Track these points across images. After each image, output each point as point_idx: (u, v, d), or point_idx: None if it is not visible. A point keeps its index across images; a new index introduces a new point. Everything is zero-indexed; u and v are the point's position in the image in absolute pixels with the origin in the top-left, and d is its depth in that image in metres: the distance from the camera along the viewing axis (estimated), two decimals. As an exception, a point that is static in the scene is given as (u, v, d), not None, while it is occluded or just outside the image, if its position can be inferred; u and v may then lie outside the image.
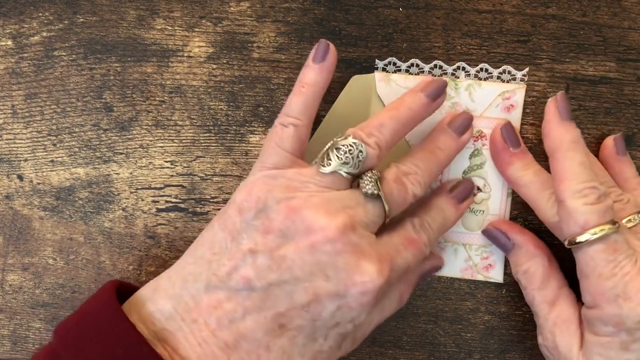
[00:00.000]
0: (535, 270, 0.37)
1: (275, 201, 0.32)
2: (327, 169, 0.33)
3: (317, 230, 0.31)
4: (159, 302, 0.33)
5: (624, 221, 0.36)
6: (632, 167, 0.39)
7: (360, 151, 0.33)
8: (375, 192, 0.33)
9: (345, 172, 0.33)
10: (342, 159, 0.33)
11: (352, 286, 0.32)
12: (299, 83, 0.35)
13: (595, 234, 0.33)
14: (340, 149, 0.33)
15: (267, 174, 0.34)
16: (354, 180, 0.34)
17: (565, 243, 0.34)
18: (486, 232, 0.39)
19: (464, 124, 0.37)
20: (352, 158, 0.33)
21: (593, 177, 0.34)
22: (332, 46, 0.36)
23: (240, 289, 0.32)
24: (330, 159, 0.33)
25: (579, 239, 0.33)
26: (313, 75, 0.35)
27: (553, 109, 0.35)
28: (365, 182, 0.33)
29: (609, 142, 0.39)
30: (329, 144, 0.34)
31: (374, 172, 0.34)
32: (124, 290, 0.35)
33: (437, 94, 0.36)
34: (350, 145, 0.33)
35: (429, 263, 0.39)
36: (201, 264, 0.33)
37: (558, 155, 0.34)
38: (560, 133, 0.35)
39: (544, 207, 0.36)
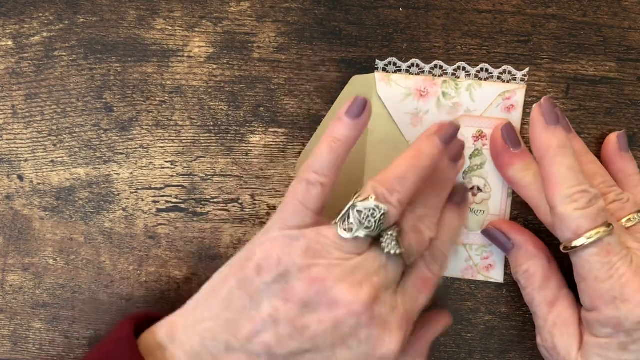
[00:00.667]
0: (535, 271, 0.37)
1: (296, 268, 0.32)
2: (348, 235, 0.32)
3: (341, 305, 0.32)
4: (178, 354, 0.33)
5: (623, 221, 0.36)
6: (634, 164, 0.39)
7: (384, 214, 0.32)
8: (398, 251, 0.33)
9: (366, 235, 0.32)
10: (364, 223, 0.32)
11: (373, 357, 0.32)
12: (331, 138, 0.34)
13: (591, 237, 0.32)
14: (361, 212, 0.32)
15: (287, 234, 0.33)
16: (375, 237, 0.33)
17: (561, 248, 0.34)
18: (486, 232, 0.39)
19: (459, 151, 0.37)
20: (375, 222, 0.32)
21: (582, 181, 0.33)
22: (369, 102, 0.34)
23: (261, 353, 0.32)
24: (351, 223, 0.32)
25: (574, 243, 0.33)
26: (346, 131, 0.34)
27: (537, 114, 0.35)
28: (387, 242, 0.33)
29: (612, 139, 0.38)
30: (350, 205, 0.33)
31: (394, 228, 0.33)
32: (140, 319, 0.35)
33: (451, 138, 0.35)
34: (373, 209, 0.32)
35: (440, 325, 0.39)
36: (219, 323, 0.33)
37: (546, 161, 0.34)
38: (547, 138, 0.34)
39: (545, 208, 0.36)
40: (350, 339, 0.32)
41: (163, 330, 0.34)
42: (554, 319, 0.36)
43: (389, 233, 0.33)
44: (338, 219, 0.33)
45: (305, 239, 0.33)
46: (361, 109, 0.34)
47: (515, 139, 0.38)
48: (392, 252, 0.32)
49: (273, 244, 0.33)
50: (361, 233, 0.32)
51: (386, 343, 0.32)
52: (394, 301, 0.33)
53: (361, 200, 0.32)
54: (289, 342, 0.32)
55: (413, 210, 0.34)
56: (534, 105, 0.35)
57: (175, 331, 0.34)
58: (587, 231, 0.32)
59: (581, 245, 0.33)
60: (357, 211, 0.32)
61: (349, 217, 0.32)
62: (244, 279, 0.33)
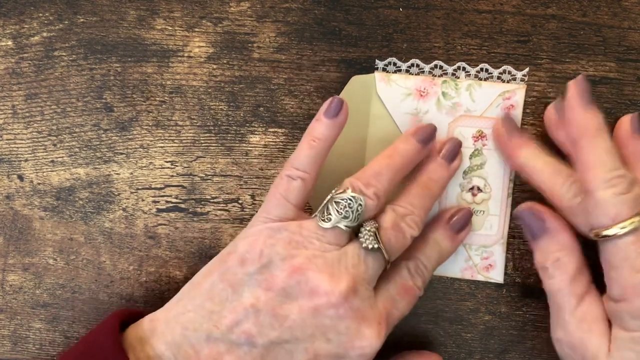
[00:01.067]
0: (568, 261, 0.35)
1: (279, 257, 0.33)
2: (327, 224, 0.33)
3: (321, 294, 0.32)
4: (158, 347, 0.33)
5: None
6: None
7: (360, 204, 0.33)
8: (376, 246, 0.33)
9: (345, 226, 0.34)
10: (341, 213, 0.33)
11: (351, 349, 0.33)
12: (310, 137, 0.35)
13: (625, 227, 0.32)
14: (339, 203, 0.33)
15: (270, 226, 0.34)
16: (354, 231, 0.34)
17: (591, 235, 0.33)
18: (518, 214, 0.37)
19: (454, 150, 0.38)
20: (352, 212, 0.33)
21: (619, 165, 0.33)
22: (345, 103, 0.36)
23: (242, 343, 0.32)
24: (330, 213, 0.34)
25: (608, 232, 0.32)
26: (324, 130, 0.35)
27: (574, 94, 0.34)
28: (365, 236, 0.33)
29: (625, 120, 0.37)
30: (328, 197, 0.34)
31: (372, 223, 0.34)
32: (125, 316, 0.35)
33: (429, 139, 0.37)
34: (349, 199, 0.33)
35: None
36: (201, 314, 0.33)
37: (583, 142, 0.33)
38: (585, 119, 0.33)
39: (560, 192, 0.35)
40: (329, 331, 0.32)
41: (145, 324, 0.35)
42: (582, 314, 0.35)
43: (367, 228, 0.34)
44: (318, 211, 0.34)
45: (288, 230, 0.34)
46: (338, 109, 0.35)
47: (517, 128, 0.38)
48: (370, 246, 0.33)
49: (256, 237, 0.34)
50: (340, 223, 0.33)
51: (366, 336, 0.33)
52: (372, 298, 0.34)
53: (339, 193, 0.34)
54: (269, 332, 0.32)
55: (395, 208, 0.35)
56: (569, 83, 0.35)
57: (157, 324, 0.34)
58: (627, 218, 0.32)
59: (615, 234, 0.32)
60: (335, 202, 0.34)
61: (328, 209, 0.34)
62: (226, 271, 0.33)
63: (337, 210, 0.33)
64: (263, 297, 0.32)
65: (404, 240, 0.35)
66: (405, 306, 0.36)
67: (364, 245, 0.33)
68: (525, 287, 0.40)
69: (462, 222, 0.38)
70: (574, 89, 0.34)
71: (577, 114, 0.34)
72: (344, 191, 0.34)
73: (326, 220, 0.34)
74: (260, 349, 0.32)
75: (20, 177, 0.41)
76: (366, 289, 0.34)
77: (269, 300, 0.32)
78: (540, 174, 0.36)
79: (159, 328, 0.34)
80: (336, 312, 0.32)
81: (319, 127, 0.35)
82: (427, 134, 0.37)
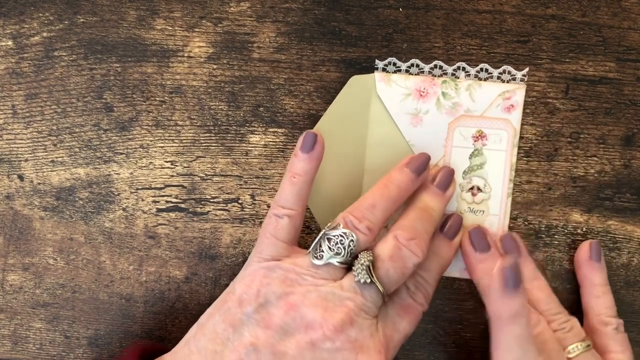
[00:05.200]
0: None
1: (275, 296, 0.33)
2: (319, 262, 0.34)
3: (316, 328, 0.33)
4: None
5: (569, 348, 0.36)
6: (603, 275, 0.39)
7: (352, 240, 0.34)
8: (368, 280, 0.33)
9: (338, 262, 0.34)
10: (333, 250, 0.34)
11: None
12: (290, 173, 0.36)
13: None
14: (331, 239, 0.34)
15: (264, 266, 0.35)
16: (349, 265, 0.34)
17: None
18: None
19: (447, 179, 0.38)
20: (344, 248, 0.34)
21: (527, 351, 0.33)
22: (319, 136, 0.36)
23: None
24: (322, 250, 0.34)
25: None
26: (303, 165, 0.36)
27: (498, 278, 0.34)
28: (357, 271, 0.33)
29: (585, 246, 0.39)
30: (321, 234, 0.34)
31: (366, 256, 0.34)
32: (142, 351, 0.36)
33: (422, 169, 0.37)
34: (341, 236, 0.34)
35: None
36: (205, 355, 0.34)
37: (495, 326, 0.34)
38: (500, 306, 0.34)
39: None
40: None
41: None
42: None
43: (360, 261, 0.33)
44: (311, 248, 0.35)
45: (282, 269, 0.34)
46: (312, 142, 0.36)
47: (484, 243, 0.37)
48: (362, 281, 0.33)
49: (252, 277, 0.34)
50: (332, 260, 0.34)
51: None
52: (373, 326, 0.34)
53: (331, 229, 0.34)
54: None
55: (397, 234, 0.35)
56: (497, 266, 0.34)
57: None
58: None
59: None
60: (327, 239, 0.34)
61: (320, 245, 0.34)
62: (227, 311, 0.34)
63: (329, 247, 0.34)
64: (262, 335, 0.33)
65: (404, 270, 0.34)
66: (408, 326, 0.35)
67: (356, 279, 0.33)
68: (525, 287, 0.40)
69: (455, 228, 0.38)
70: (499, 273, 0.34)
71: (494, 300, 0.34)
72: (336, 227, 0.34)
73: (318, 257, 0.34)
74: None
75: (21, 177, 0.41)
76: (365, 319, 0.33)
77: (268, 338, 0.33)
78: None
79: None
80: (332, 344, 0.32)
81: (297, 162, 0.36)
82: (420, 164, 0.37)
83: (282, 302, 0.33)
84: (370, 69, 0.40)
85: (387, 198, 0.35)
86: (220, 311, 0.35)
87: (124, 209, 0.41)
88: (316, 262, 0.34)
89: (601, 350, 0.37)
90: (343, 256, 0.34)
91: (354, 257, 0.34)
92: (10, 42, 0.41)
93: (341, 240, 0.34)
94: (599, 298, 0.38)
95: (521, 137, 0.39)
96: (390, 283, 0.34)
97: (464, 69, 0.39)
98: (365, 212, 0.35)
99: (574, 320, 0.37)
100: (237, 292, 0.34)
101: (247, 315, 0.34)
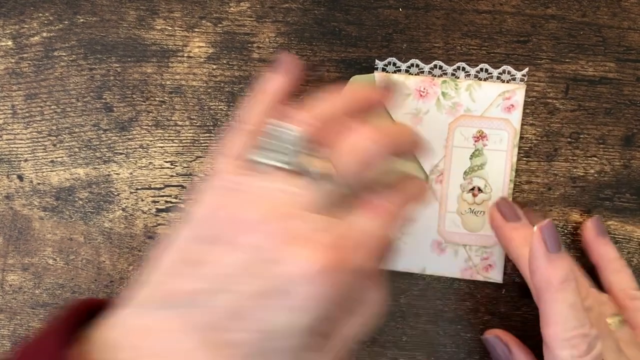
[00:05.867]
0: None
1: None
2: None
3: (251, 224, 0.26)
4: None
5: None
6: (614, 249, 0.38)
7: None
8: (318, 171, 0.27)
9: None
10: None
11: (279, 278, 0.25)
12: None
13: None
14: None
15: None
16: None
17: None
18: (485, 339, 0.39)
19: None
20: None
21: (584, 320, 0.32)
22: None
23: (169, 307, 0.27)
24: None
25: None
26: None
27: (538, 241, 0.32)
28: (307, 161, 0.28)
29: (589, 225, 0.39)
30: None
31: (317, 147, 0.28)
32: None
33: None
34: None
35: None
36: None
37: (546, 296, 0.32)
38: (548, 272, 0.32)
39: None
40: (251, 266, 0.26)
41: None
42: None
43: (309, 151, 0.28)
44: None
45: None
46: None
47: (514, 212, 0.37)
48: (312, 170, 0.28)
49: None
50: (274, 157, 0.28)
51: (297, 258, 0.25)
52: (325, 222, 0.26)
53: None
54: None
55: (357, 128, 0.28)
56: (535, 229, 0.33)
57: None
58: None
59: None
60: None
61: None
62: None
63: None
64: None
65: (365, 159, 0.28)
66: (376, 226, 0.27)
67: (310, 170, 0.28)
68: (524, 287, 0.40)
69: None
70: (538, 236, 0.32)
71: (540, 266, 0.32)
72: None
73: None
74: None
75: (20, 177, 0.41)
76: (311, 214, 0.26)
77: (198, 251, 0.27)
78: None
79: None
80: (265, 235, 0.26)
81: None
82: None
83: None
84: (370, 69, 0.40)
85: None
86: None
87: (123, 209, 0.41)
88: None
89: (632, 325, 0.36)
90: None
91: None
92: (10, 42, 0.41)
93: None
94: (620, 272, 0.37)
95: (521, 137, 0.39)
96: (347, 176, 0.28)
97: (463, 69, 0.39)
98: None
99: (605, 295, 0.37)
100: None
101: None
